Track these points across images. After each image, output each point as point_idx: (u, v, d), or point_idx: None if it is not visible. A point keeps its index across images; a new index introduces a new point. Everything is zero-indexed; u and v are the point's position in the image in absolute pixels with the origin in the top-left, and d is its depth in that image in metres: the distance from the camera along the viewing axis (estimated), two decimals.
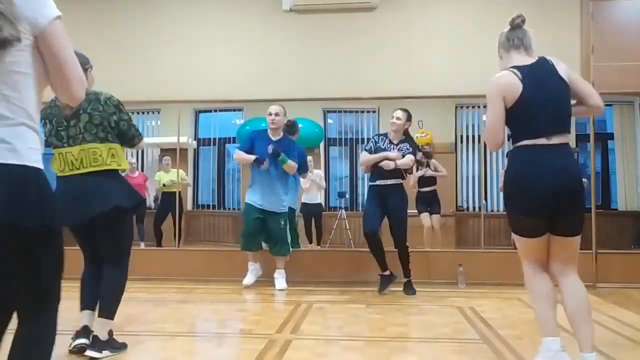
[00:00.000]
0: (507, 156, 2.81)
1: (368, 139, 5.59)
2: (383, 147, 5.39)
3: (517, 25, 2.82)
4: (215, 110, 8.70)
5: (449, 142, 8.04)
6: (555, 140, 2.62)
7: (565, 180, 2.61)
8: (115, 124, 3.23)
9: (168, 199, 7.82)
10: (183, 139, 7.23)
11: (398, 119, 5.45)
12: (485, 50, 5.90)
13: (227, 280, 5.86)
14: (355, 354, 3.25)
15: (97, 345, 3.12)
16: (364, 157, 5.41)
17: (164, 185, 7.88)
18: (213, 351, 3.45)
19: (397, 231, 5.30)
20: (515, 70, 2.67)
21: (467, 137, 8.00)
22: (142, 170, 8.60)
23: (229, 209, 8.49)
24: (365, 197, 5.59)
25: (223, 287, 5.68)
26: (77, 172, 3.13)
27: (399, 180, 5.34)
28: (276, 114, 5.72)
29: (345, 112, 8.50)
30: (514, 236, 2.82)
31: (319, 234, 7.69)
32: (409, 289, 5.34)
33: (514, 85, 2.63)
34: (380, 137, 5.51)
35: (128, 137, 3.30)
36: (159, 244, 7.76)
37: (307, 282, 5.87)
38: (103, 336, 3.15)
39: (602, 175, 8.31)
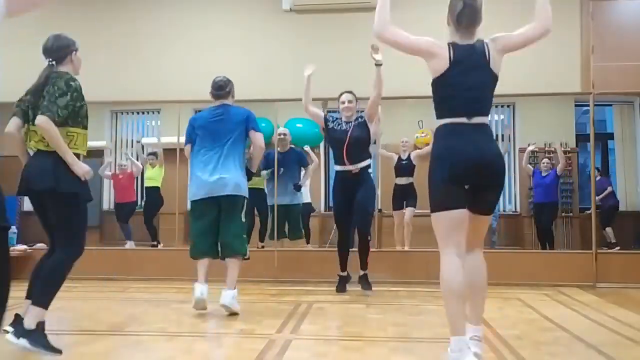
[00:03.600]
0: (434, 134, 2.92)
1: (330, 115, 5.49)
2: (338, 128, 5.29)
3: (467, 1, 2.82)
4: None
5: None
6: (476, 120, 2.75)
7: (487, 154, 2.73)
8: (73, 102, 3.14)
9: (151, 193, 7.94)
10: (183, 139, 7.22)
11: (350, 102, 5.35)
12: None
13: None
14: (355, 354, 3.25)
15: (18, 331, 2.93)
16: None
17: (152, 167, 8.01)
18: (213, 351, 3.45)
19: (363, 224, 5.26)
20: (451, 48, 2.79)
21: None
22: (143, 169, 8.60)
23: None
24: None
25: (223, 287, 5.66)
26: (38, 148, 3.22)
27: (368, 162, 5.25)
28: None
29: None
30: (434, 223, 2.77)
31: (307, 233, 7.63)
32: (365, 283, 5.32)
33: (443, 57, 2.78)
34: (334, 117, 5.42)
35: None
36: (154, 239, 7.78)
37: (307, 282, 5.88)
38: (28, 324, 2.92)
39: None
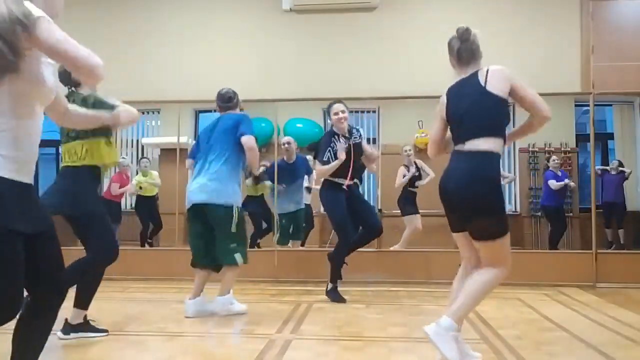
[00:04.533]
0: None
1: (326, 145, 5.01)
2: (340, 143, 4.98)
3: (464, 39, 3.00)
4: (215, 110, 8.69)
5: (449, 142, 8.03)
6: (468, 146, 2.85)
7: (451, 185, 2.88)
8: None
9: (144, 203, 7.90)
10: (183, 139, 7.23)
11: (343, 112, 5.05)
12: (485, 51, 5.92)
13: None
14: (355, 354, 3.25)
15: (65, 328, 3.40)
16: (322, 170, 4.98)
17: (140, 187, 7.91)
18: (213, 351, 3.44)
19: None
20: (447, 90, 3.06)
21: None
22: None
23: None
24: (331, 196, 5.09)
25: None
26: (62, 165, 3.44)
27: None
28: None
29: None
30: None
31: (306, 234, 7.62)
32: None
33: (444, 103, 3.04)
34: (332, 139, 5.04)
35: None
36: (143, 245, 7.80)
37: (307, 282, 5.88)
38: (72, 320, 3.41)
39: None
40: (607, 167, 8.05)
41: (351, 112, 8.26)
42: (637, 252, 6.61)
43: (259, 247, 7.15)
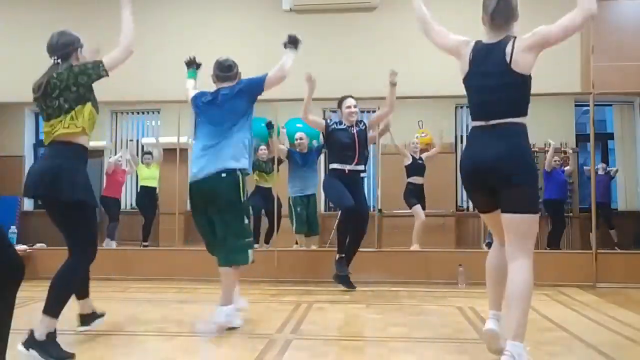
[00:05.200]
0: None
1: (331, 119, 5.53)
2: (343, 129, 5.40)
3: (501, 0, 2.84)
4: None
5: (448, 142, 8.04)
6: (494, 121, 2.76)
7: (486, 156, 2.74)
8: (75, 85, 3.16)
9: (148, 194, 7.94)
10: (183, 139, 7.23)
11: (355, 106, 5.47)
12: None
13: None
14: (355, 354, 3.25)
15: (28, 342, 2.93)
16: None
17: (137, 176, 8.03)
18: (213, 351, 3.44)
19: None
20: (473, 46, 2.88)
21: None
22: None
23: None
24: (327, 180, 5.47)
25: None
26: (47, 142, 3.19)
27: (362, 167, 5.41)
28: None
29: None
30: None
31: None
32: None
33: (465, 59, 2.88)
34: (339, 123, 5.48)
35: (94, 69, 3.27)
36: (145, 240, 7.80)
37: (307, 282, 5.87)
38: (39, 335, 2.93)
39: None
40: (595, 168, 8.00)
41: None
42: (637, 252, 6.61)
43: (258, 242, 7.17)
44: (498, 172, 2.71)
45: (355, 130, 5.40)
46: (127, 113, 8.84)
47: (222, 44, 7.25)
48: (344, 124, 5.44)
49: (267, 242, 7.27)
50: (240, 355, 3.33)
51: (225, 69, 3.93)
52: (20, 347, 2.91)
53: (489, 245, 7.62)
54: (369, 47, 6.99)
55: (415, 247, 6.81)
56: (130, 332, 3.83)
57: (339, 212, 5.51)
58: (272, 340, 3.53)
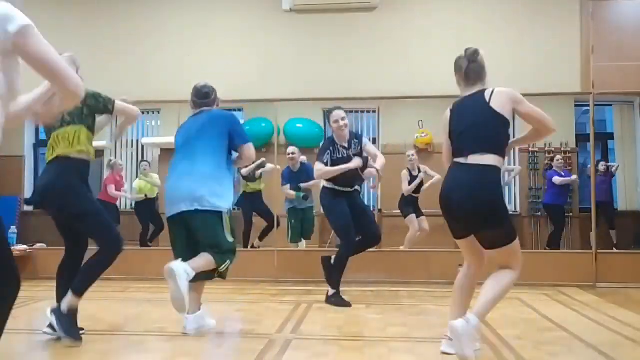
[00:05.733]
0: None
1: (325, 149, 4.89)
2: (341, 156, 4.87)
3: (472, 60, 3.13)
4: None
5: None
6: (472, 160, 2.93)
7: (457, 198, 2.93)
8: (82, 103, 3.29)
9: (145, 205, 7.87)
10: None
11: (343, 119, 4.87)
12: (485, 50, 5.86)
13: (227, 280, 5.84)
14: (355, 354, 3.25)
15: (55, 309, 3.28)
16: (322, 170, 4.80)
17: (145, 196, 7.91)
18: (213, 351, 3.44)
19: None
20: (451, 105, 3.18)
21: None
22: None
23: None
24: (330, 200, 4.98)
25: (223, 287, 5.67)
26: (49, 158, 3.41)
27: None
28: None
29: (346, 112, 8.46)
30: None
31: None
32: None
33: (447, 117, 3.18)
34: (333, 148, 4.90)
35: (104, 101, 3.49)
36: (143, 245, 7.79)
37: (307, 282, 5.87)
38: (63, 308, 3.25)
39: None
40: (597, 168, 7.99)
41: (351, 112, 8.31)
42: (637, 252, 6.62)
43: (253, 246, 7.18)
44: (469, 217, 2.93)
45: (352, 153, 4.90)
46: None
47: (222, 44, 7.25)
48: (337, 148, 4.89)
49: (261, 239, 7.26)
50: (240, 355, 3.33)
51: (202, 96, 3.84)
52: (48, 311, 3.30)
53: None
54: (369, 47, 6.99)
55: (401, 248, 6.85)
56: (130, 332, 3.83)
57: (340, 244, 5.13)
58: (272, 340, 3.53)
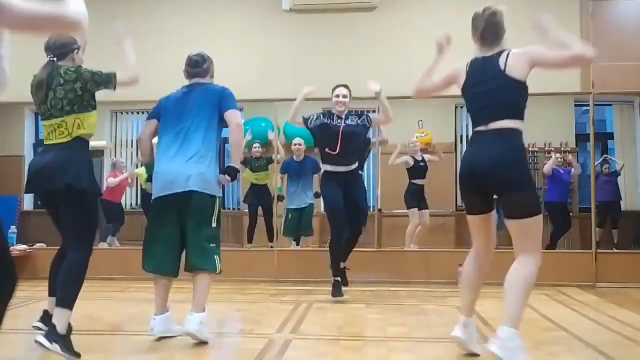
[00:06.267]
0: None
1: (319, 113, 5.18)
2: (333, 123, 4.98)
3: (490, 21, 3.05)
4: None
5: (449, 142, 8.04)
6: (493, 126, 2.87)
7: (484, 162, 2.84)
8: (82, 90, 3.15)
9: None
10: None
11: (345, 97, 5.01)
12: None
13: (227, 280, 5.85)
14: (355, 354, 3.25)
15: (51, 335, 2.94)
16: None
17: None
18: (213, 351, 3.44)
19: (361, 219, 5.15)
20: (468, 63, 3.08)
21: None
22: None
23: (228, 208, 8.48)
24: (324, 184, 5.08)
25: (223, 287, 5.67)
26: (49, 142, 3.17)
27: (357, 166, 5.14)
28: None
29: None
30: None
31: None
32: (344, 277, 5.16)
33: (461, 72, 3.08)
34: (329, 113, 5.09)
35: (105, 83, 3.28)
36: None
37: (307, 282, 5.87)
38: (60, 329, 2.96)
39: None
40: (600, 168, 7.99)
41: (351, 112, 8.29)
42: (637, 252, 6.62)
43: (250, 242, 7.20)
44: (495, 179, 2.85)
45: (342, 124, 4.97)
46: (127, 113, 8.83)
47: (222, 44, 7.24)
48: (331, 117, 5.04)
49: (270, 240, 7.27)
50: (240, 355, 3.33)
51: (194, 64, 3.72)
52: (43, 340, 2.91)
53: None
54: (369, 47, 6.98)
55: (413, 247, 6.82)
56: (130, 332, 3.83)
57: (330, 229, 5.16)
58: (272, 340, 3.53)
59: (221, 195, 3.57)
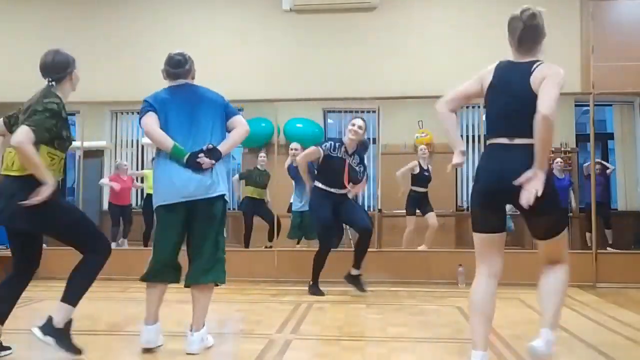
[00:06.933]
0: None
1: (331, 142, 5.32)
2: (339, 156, 5.21)
3: (528, 25, 2.74)
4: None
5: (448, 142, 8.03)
6: (519, 141, 2.62)
7: (511, 179, 2.54)
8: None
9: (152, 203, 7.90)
10: None
11: (360, 128, 5.25)
12: (485, 50, 5.88)
13: (227, 280, 5.84)
14: (355, 354, 3.25)
15: (46, 327, 2.90)
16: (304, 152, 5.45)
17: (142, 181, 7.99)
18: (213, 351, 3.44)
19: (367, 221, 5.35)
20: (497, 64, 2.81)
21: (467, 137, 7.99)
22: (142, 169, 8.58)
23: (229, 209, 8.46)
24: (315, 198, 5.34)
25: (223, 287, 5.65)
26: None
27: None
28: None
29: (345, 112, 8.48)
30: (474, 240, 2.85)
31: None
32: (360, 283, 5.39)
33: (489, 75, 2.80)
34: (336, 144, 5.25)
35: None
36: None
37: (307, 282, 5.87)
38: (57, 322, 2.91)
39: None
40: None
41: (351, 112, 8.30)
42: (637, 252, 6.62)
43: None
44: (512, 196, 2.59)
45: (350, 161, 5.26)
46: (127, 113, 8.83)
47: (222, 44, 7.25)
48: (341, 148, 5.24)
49: (270, 240, 7.28)
50: (240, 355, 3.33)
51: (174, 64, 3.48)
52: (36, 331, 2.87)
53: None
54: (369, 47, 6.98)
55: (422, 248, 6.85)
56: (130, 332, 3.83)
57: (318, 242, 5.41)
58: (272, 340, 3.53)
59: (227, 200, 3.48)
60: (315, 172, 5.45)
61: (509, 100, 2.68)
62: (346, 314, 4.46)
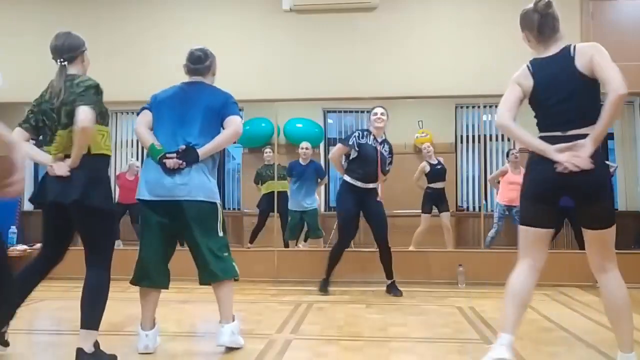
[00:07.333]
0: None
1: (354, 133, 5.48)
2: (370, 143, 5.35)
3: (544, 13, 2.77)
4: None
5: (448, 142, 8.04)
6: (573, 132, 2.61)
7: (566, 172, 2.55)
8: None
9: None
10: None
11: (383, 114, 5.43)
12: (485, 50, 5.93)
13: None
14: (355, 354, 3.25)
15: (80, 357, 2.94)
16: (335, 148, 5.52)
17: None
18: (213, 351, 3.44)
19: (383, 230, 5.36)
20: (529, 65, 2.76)
21: (467, 137, 8.00)
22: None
23: (229, 209, 8.48)
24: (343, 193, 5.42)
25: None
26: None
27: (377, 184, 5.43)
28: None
29: (345, 112, 8.49)
30: (519, 232, 2.80)
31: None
32: (396, 290, 5.40)
33: (527, 77, 2.73)
34: (364, 132, 5.43)
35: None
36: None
37: (307, 282, 5.87)
38: (89, 348, 2.95)
39: None
40: None
41: (351, 112, 8.30)
42: (637, 252, 6.61)
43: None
44: (587, 187, 2.61)
45: (381, 149, 5.40)
46: (127, 113, 8.84)
47: (222, 44, 7.21)
48: (368, 136, 5.40)
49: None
50: (240, 355, 3.33)
51: (195, 60, 3.52)
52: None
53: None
54: (368, 47, 6.97)
55: (411, 247, 6.87)
56: (130, 332, 3.83)
57: (338, 235, 5.53)
58: (272, 340, 3.53)
59: (220, 202, 3.38)
60: (345, 165, 5.44)
61: (560, 94, 2.66)
62: (346, 314, 4.46)
